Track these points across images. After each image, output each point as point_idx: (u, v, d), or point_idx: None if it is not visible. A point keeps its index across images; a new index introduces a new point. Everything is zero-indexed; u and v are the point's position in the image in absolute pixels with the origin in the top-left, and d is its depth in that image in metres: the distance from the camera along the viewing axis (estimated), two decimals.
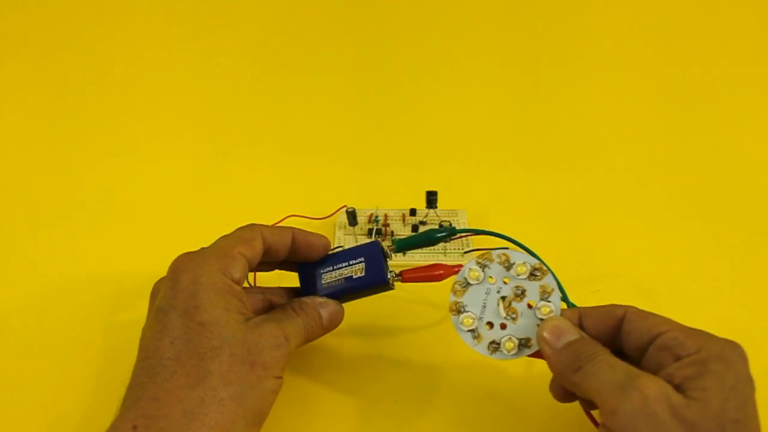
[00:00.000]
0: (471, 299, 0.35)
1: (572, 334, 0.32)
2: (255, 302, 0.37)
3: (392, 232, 0.52)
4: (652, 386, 0.27)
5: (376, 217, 0.52)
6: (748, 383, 0.29)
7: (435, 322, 0.45)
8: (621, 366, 0.29)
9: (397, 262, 0.48)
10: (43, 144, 0.63)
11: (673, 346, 0.30)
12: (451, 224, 0.51)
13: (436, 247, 0.47)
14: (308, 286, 0.38)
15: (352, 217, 0.51)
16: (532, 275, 0.35)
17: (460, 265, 0.38)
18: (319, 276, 0.38)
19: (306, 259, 0.38)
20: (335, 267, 0.38)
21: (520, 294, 0.35)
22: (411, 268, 0.39)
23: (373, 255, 0.37)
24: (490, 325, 0.34)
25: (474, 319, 0.34)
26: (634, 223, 0.56)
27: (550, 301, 0.34)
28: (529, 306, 0.34)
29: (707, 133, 0.66)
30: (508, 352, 0.34)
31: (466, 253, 0.49)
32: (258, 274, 0.44)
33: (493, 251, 0.35)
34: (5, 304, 0.46)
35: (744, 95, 0.68)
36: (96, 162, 0.61)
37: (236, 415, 0.30)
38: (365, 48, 0.69)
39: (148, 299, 0.35)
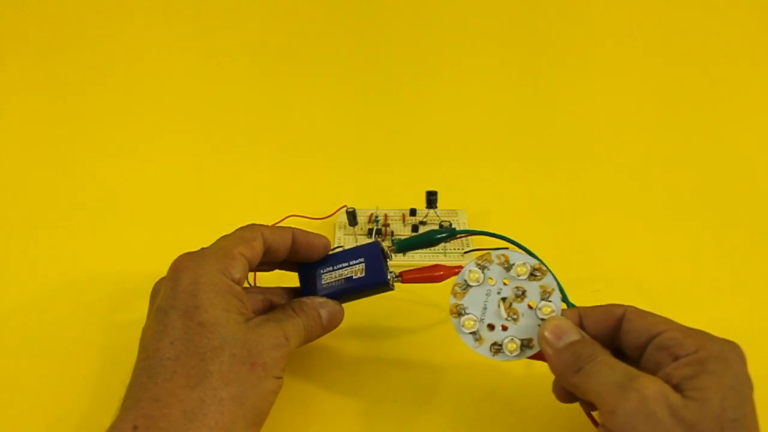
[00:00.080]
0: (471, 301, 0.35)
1: (573, 334, 0.32)
2: (255, 302, 0.37)
3: (392, 232, 0.52)
4: (651, 386, 0.27)
5: (376, 217, 0.52)
6: (747, 383, 0.29)
7: (435, 323, 0.45)
8: (620, 367, 0.29)
9: (397, 262, 0.48)
10: (43, 144, 0.63)
11: (672, 346, 0.30)
12: (451, 224, 0.51)
13: (436, 247, 0.47)
14: (308, 287, 0.38)
15: (352, 217, 0.51)
16: (532, 275, 0.35)
17: (460, 266, 0.38)
18: (319, 276, 0.38)
19: (306, 259, 0.38)
20: (335, 267, 0.38)
21: (521, 295, 0.35)
22: (411, 268, 0.39)
23: (373, 255, 0.38)
24: (491, 326, 0.34)
25: (475, 321, 0.34)
26: (634, 223, 0.56)
27: (550, 301, 0.34)
28: (530, 306, 0.34)
29: (707, 133, 0.66)
30: (511, 353, 0.34)
31: (466, 253, 0.49)
32: (258, 274, 0.44)
33: (492, 252, 0.35)
34: (5, 304, 0.46)
35: (744, 95, 0.68)
36: (96, 162, 0.61)
37: (236, 416, 0.30)
38: (365, 48, 0.69)
39: (148, 299, 0.35)
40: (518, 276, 0.35)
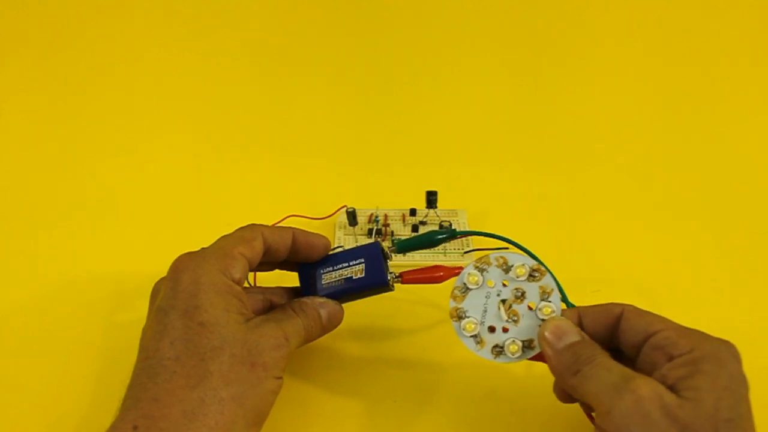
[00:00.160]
0: (471, 304, 0.35)
1: (573, 335, 0.32)
2: (255, 302, 0.37)
3: (392, 232, 0.52)
4: (645, 387, 0.28)
5: (376, 217, 0.52)
6: (742, 383, 0.29)
7: (435, 323, 0.45)
8: (617, 368, 0.29)
9: (397, 262, 0.48)
10: (43, 144, 0.63)
11: (666, 346, 0.30)
12: (451, 224, 0.51)
13: (436, 247, 0.47)
14: (308, 287, 0.38)
15: (352, 217, 0.51)
16: (531, 276, 0.35)
17: (461, 267, 0.38)
18: (319, 276, 0.38)
19: (306, 259, 0.38)
20: (335, 267, 0.38)
21: (520, 296, 0.35)
22: (411, 269, 0.39)
23: (373, 256, 0.38)
24: (492, 329, 0.34)
25: (476, 324, 0.34)
26: (634, 223, 0.56)
27: (550, 302, 0.34)
28: (530, 307, 0.34)
29: (707, 133, 0.66)
30: (512, 355, 0.34)
31: (466, 253, 0.49)
32: (258, 273, 0.44)
33: (490, 254, 0.35)
34: (5, 304, 0.46)
35: (744, 95, 0.68)
36: (96, 162, 0.61)
37: (236, 416, 0.30)
38: (365, 48, 0.69)
39: (148, 299, 0.35)
40: (517, 277, 0.35)
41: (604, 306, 0.34)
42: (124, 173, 0.60)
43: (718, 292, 0.48)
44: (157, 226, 0.54)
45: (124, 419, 0.29)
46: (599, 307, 0.34)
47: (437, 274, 0.38)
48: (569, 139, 0.66)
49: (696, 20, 0.69)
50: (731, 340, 0.44)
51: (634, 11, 0.69)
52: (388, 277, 0.37)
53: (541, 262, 0.36)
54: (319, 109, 0.67)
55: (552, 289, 0.34)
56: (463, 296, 0.35)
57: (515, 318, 0.34)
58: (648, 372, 0.30)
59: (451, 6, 0.68)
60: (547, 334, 0.32)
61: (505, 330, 0.34)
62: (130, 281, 0.47)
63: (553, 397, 0.34)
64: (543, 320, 0.34)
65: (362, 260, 0.38)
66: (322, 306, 0.37)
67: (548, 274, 0.35)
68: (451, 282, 0.37)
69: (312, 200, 0.55)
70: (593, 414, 0.32)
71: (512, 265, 0.35)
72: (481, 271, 0.35)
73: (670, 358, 0.29)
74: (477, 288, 0.35)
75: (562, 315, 0.34)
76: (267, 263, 0.39)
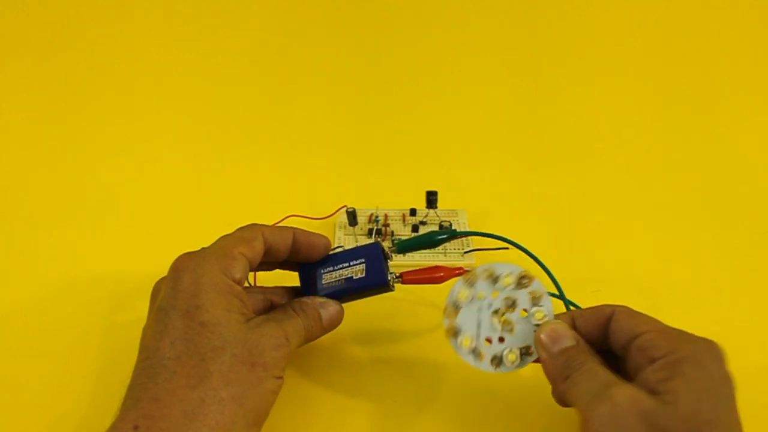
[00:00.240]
0: (465, 320, 0.35)
1: (568, 339, 0.32)
2: (255, 302, 0.37)
3: (392, 232, 0.52)
4: (623, 394, 0.28)
5: (376, 217, 0.52)
6: (724, 383, 0.28)
7: (435, 323, 0.45)
8: (602, 375, 0.30)
9: (397, 262, 0.48)
10: (43, 144, 0.63)
11: (649, 348, 0.30)
12: (451, 224, 0.51)
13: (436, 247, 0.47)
14: (308, 286, 0.39)
15: (352, 217, 0.51)
16: (519, 284, 0.35)
17: (461, 268, 0.38)
18: (320, 276, 0.38)
19: (307, 259, 0.38)
20: (336, 267, 0.38)
21: (512, 305, 0.35)
22: (411, 269, 0.39)
23: (374, 256, 0.38)
24: (489, 340, 0.35)
25: (472, 338, 0.34)
26: (634, 223, 0.56)
27: (541, 306, 0.34)
28: (523, 314, 0.35)
29: (707, 133, 0.66)
30: (512, 363, 0.34)
31: (466, 253, 0.49)
32: (258, 273, 0.44)
33: (476, 268, 0.36)
34: (5, 304, 0.46)
35: (744, 95, 0.68)
36: (96, 162, 0.61)
37: (237, 416, 0.30)
38: (365, 49, 0.69)
39: (149, 299, 0.35)
40: (506, 287, 0.35)
41: (597, 308, 0.34)
42: (124, 173, 0.60)
43: (718, 292, 0.48)
44: (157, 226, 0.54)
45: (125, 419, 0.29)
46: (592, 309, 0.34)
47: (437, 275, 0.38)
48: (569, 140, 0.66)
49: (696, 20, 0.69)
50: (731, 340, 0.44)
51: (634, 11, 0.69)
52: (389, 278, 0.37)
53: (540, 263, 0.36)
54: (319, 109, 0.67)
55: (542, 294, 0.35)
56: (456, 313, 0.35)
57: (510, 327, 0.34)
58: (634, 374, 0.30)
59: (451, 6, 0.68)
60: (543, 336, 0.33)
61: (501, 340, 0.34)
62: (130, 281, 0.46)
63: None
64: (537, 325, 0.34)
65: (363, 260, 0.38)
66: (322, 306, 0.37)
67: (536, 279, 0.35)
68: (451, 282, 0.37)
69: (312, 200, 0.55)
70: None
71: (499, 276, 0.35)
72: (470, 285, 0.35)
73: (652, 361, 0.29)
74: (468, 303, 0.35)
75: (556, 318, 0.34)
76: (267, 263, 0.39)
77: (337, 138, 0.65)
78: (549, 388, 0.35)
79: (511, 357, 0.34)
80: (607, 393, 0.28)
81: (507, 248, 0.40)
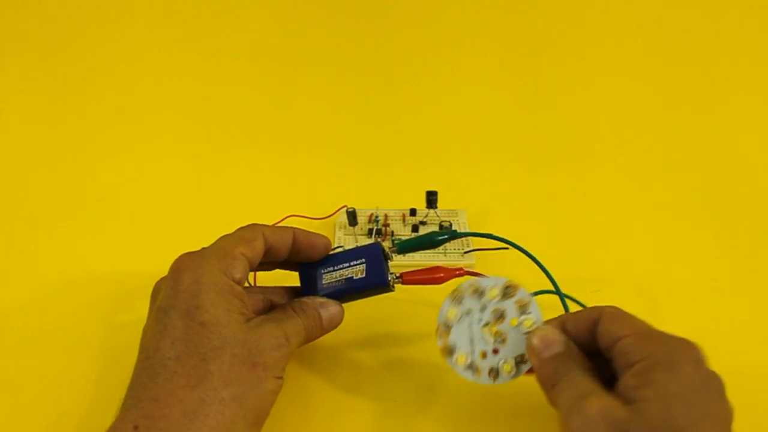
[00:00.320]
0: (457, 337, 0.35)
1: (558, 345, 0.32)
2: (256, 302, 0.37)
3: (392, 232, 0.52)
4: (595, 405, 0.27)
5: (376, 217, 0.52)
6: (700, 386, 0.28)
7: (435, 323, 0.45)
8: (582, 384, 0.29)
9: (397, 262, 0.48)
10: (43, 144, 0.63)
11: (627, 353, 0.29)
12: (451, 224, 0.51)
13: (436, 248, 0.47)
14: (309, 286, 0.39)
15: (352, 217, 0.51)
16: (505, 294, 0.35)
17: (461, 269, 0.38)
18: (320, 276, 0.38)
19: (307, 259, 0.38)
20: (336, 267, 0.38)
21: (501, 316, 0.35)
22: (411, 270, 0.39)
23: (374, 256, 0.38)
24: (484, 354, 0.35)
25: (467, 354, 0.35)
26: (634, 222, 0.56)
27: (530, 313, 0.35)
28: (513, 324, 0.35)
29: (707, 133, 0.66)
30: (508, 374, 0.34)
31: (466, 253, 0.49)
32: (258, 273, 0.44)
33: (461, 285, 0.36)
34: (5, 304, 0.46)
35: (744, 95, 0.68)
36: (96, 162, 0.61)
37: (237, 416, 0.30)
38: (365, 48, 0.69)
39: (149, 299, 0.35)
40: (492, 299, 0.35)
41: (587, 310, 0.33)
42: (124, 173, 0.60)
43: (718, 292, 0.48)
44: (157, 226, 0.54)
45: (125, 419, 0.29)
46: (582, 311, 0.34)
47: (438, 275, 0.38)
48: (569, 140, 0.66)
49: (696, 20, 0.69)
50: (731, 340, 0.44)
51: (634, 11, 0.69)
52: (389, 278, 0.37)
53: (538, 263, 0.36)
54: (319, 109, 0.67)
55: (528, 301, 0.35)
56: (448, 332, 0.35)
57: (502, 338, 0.35)
58: (618, 379, 0.29)
59: (451, 6, 0.68)
60: (535, 341, 0.33)
61: (495, 352, 0.35)
62: (130, 281, 0.46)
63: None
64: (528, 333, 0.34)
65: (363, 260, 0.38)
66: (322, 306, 0.37)
67: (521, 288, 0.35)
68: (451, 283, 0.37)
69: (312, 200, 0.55)
70: None
71: (484, 289, 0.35)
72: (458, 303, 0.35)
73: (630, 366, 0.29)
74: (458, 321, 0.35)
75: (547, 323, 0.34)
76: (267, 263, 0.39)
77: (337, 138, 0.65)
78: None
79: (507, 367, 0.34)
80: (580, 404, 0.28)
81: (507, 248, 0.40)
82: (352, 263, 0.38)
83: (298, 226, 0.38)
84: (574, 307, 0.42)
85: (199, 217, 0.55)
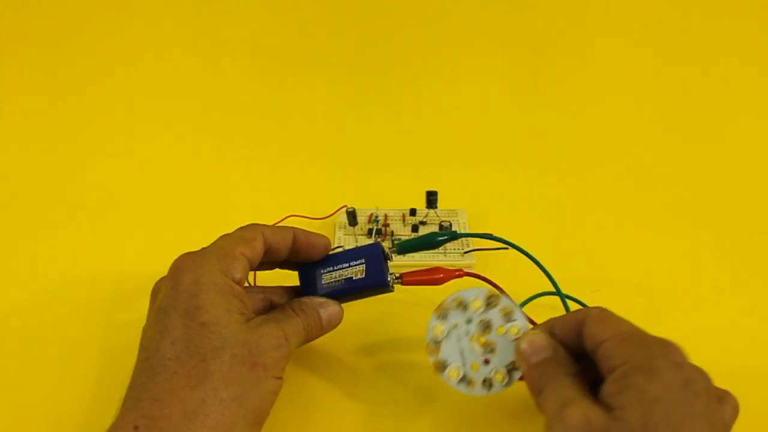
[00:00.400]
0: (448, 352, 0.35)
1: (546, 350, 0.32)
2: (255, 302, 0.37)
3: (392, 232, 0.52)
4: (576, 415, 0.27)
5: (376, 217, 0.52)
6: (684, 388, 0.27)
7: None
8: (565, 391, 0.29)
9: (397, 261, 0.47)
10: (43, 144, 0.63)
11: (608, 357, 0.29)
12: (451, 224, 0.51)
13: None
14: (308, 286, 0.39)
15: (352, 217, 0.51)
16: (489, 304, 0.35)
17: (461, 270, 0.38)
18: (320, 276, 0.38)
19: (307, 259, 0.38)
20: (335, 267, 0.38)
21: (487, 326, 0.35)
22: (411, 270, 0.39)
23: (374, 257, 0.38)
24: (475, 366, 0.35)
25: (458, 368, 0.35)
26: (634, 222, 0.56)
27: (515, 320, 0.35)
28: (501, 331, 0.35)
29: (707, 133, 0.66)
30: (501, 383, 0.34)
31: (466, 253, 0.49)
32: (258, 273, 0.44)
33: (444, 300, 0.36)
34: (5, 304, 0.46)
35: (744, 95, 0.68)
36: (96, 162, 0.61)
37: (237, 416, 0.30)
38: (365, 48, 0.69)
39: (148, 299, 0.35)
40: (476, 310, 0.35)
41: (573, 313, 0.33)
42: (124, 173, 0.60)
43: (718, 292, 0.48)
44: (157, 226, 0.54)
45: (125, 419, 0.29)
46: (568, 314, 0.33)
47: (437, 276, 0.38)
48: (569, 140, 0.66)
49: (696, 20, 0.69)
50: (731, 340, 0.44)
51: (634, 11, 0.69)
52: (389, 279, 0.37)
53: (537, 262, 0.36)
54: (319, 109, 0.67)
55: (512, 309, 0.35)
56: (438, 348, 0.35)
57: (491, 348, 0.35)
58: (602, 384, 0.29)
59: (451, 6, 0.68)
60: (523, 345, 0.32)
61: (487, 362, 0.35)
62: (130, 281, 0.46)
63: None
64: (516, 340, 0.34)
65: (363, 261, 0.38)
66: (321, 306, 0.37)
67: (504, 296, 0.35)
68: (452, 284, 0.37)
69: (312, 200, 0.55)
70: None
71: (468, 302, 0.35)
72: (444, 318, 0.36)
73: (611, 371, 0.29)
74: (446, 336, 0.35)
75: (535, 328, 0.34)
76: (267, 263, 0.39)
77: (337, 138, 0.65)
78: None
79: (499, 377, 0.34)
80: (562, 413, 0.28)
81: (506, 248, 0.40)
82: (351, 263, 0.38)
83: (298, 226, 0.38)
84: (574, 307, 0.42)
85: (199, 217, 0.55)
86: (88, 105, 0.65)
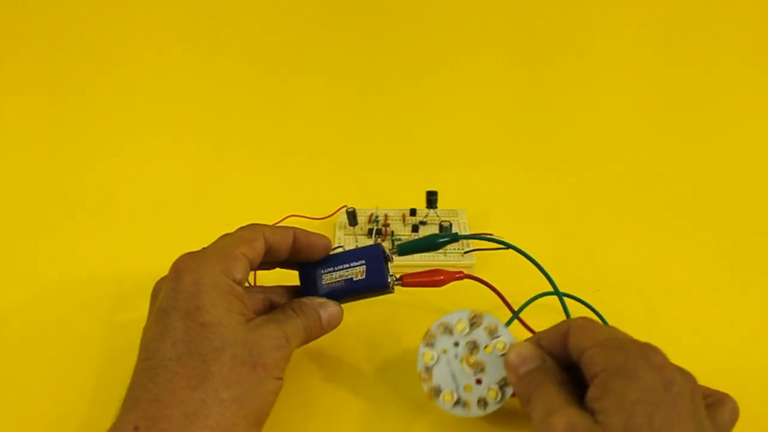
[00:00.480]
0: (440, 377, 0.35)
1: (534, 360, 0.32)
2: (256, 302, 0.37)
3: (392, 232, 0.52)
4: (561, 422, 0.28)
5: (376, 217, 0.52)
6: (664, 389, 0.27)
7: (434, 325, 0.45)
8: (550, 399, 0.30)
9: (397, 261, 0.47)
10: (43, 144, 0.63)
11: (590, 365, 0.29)
12: (451, 224, 0.51)
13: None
14: (308, 286, 0.38)
15: (352, 217, 0.51)
16: (473, 324, 0.36)
17: (461, 272, 0.39)
18: (320, 276, 0.38)
19: (307, 259, 0.38)
20: (336, 268, 0.38)
21: (474, 346, 0.35)
22: (411, 272, 0.39)
23: (375, 258, 0.37)
24: (468, 387, 0.35)
25: (452, 391, 0.35)
26: (635, 222, 0.56)
27: (499, 336, 0.35)
28: (489, 350, 0.35)
29: (707, 133, 0.66)
30: (495, 400, 0.34)
31: (466, 253, 0.49)
32: (258, 272, 0.44)
33: (431, 326, 0.36)
34: (5, 304, 0.46)
35: (744, 96, 0.68)
36: (96, 162, 0.61)
37: (237, 417, 0.30)
38: (365, 48, 0.69)
39: (149, 299, 0.35)
40: (461, 333, 0.36)
41: (558, 325, 0.33)
42: (124, 173, 0.60)
43: (718, 292, 0.48)
44: (157, 226, 0.54)
45: (125, 420, 0.29)
46: (554, 326, 0.34)
47: (438, 278, 0.38)
48: (569, 140, 0.66)
49: (696, 20, 0.69)
50: (731, 340, 0.44)
51: (634, 11, 0.69)
52: (389, 280, 0.37)
53: (536, 263, 0.36)
54: (319, 109, 0.67)
55: (496, 326, 0.35)
56: (430, 375, 0.35)
57: (481, 367, 0.35)
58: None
59: (451, 6, 0.68)
60: (511, 356, 0.33)
61: (479, 382, 0.35)
62: (130, 281, 0.46)
63: None
64: (503, 355, 0.34)
65: (363, 262, 0.38)
66: (321, 306, 0.37)
67: (486, 315, 0.36)
68: (452, 285, 0.37)
69: (312, 200, 0.55)
70: None
71: (452, 325, 0.36)
72: (431, 345, 0.36)
73: (594, 377, 0.29)
74: (436, 362, 0.36)
75: (523, 341, 0.34)
76: (268, 263, 0.39)
77: (337, 138, 0.65)
78: None
79: (492, 394, 0.35)
80: (548, 420, 0.28)
81: (506, 248, 0.40)
82: (352, 264, 0.38)
83: (299, 226, 0.38)
84: (574, 307, 0.42)
85: (199, 217, 0.55)
86: (88, 105, 0.65)
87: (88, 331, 0.43)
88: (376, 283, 0.37)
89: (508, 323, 0.41)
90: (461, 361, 0.35)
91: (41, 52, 0.66)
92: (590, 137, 0.66)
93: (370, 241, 0.50)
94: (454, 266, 0.48)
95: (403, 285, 0.38)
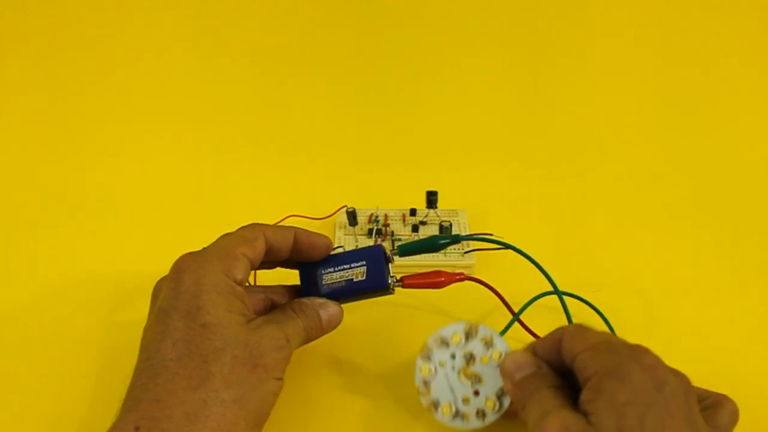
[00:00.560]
0: (438, 391, 0.35)
1: (529, 367, 0.32)
2: (256, 302, 0.37)
3: (392, 232, 0.52)
4: (554, 424, 0.28)
5: (376, 217, 0.52)
6: (656, 389, 0.27)
7: (435, 325, 0.44)
8: (545, 403, 0.30)
9: (397, 262, 0.47)
10: (43, 144, 0.63)
11: (583, 368, 0.30)
12: (451, 224, 0.51)
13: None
14: (309, 286, 0.38)
15: (352, 217, 0.51)
16: (468, 336, 0.36)
17: (462, 273, 0.38)
18: (320, 276, 0.38)
19: (308, 259, 0.38)
20: (337, 268, 0.38)
21: (471, 358, 0.35)
22: (412, 274, 0.39)
23: (375, 259, 0.37)
24: (466, 399, 0.35)
25: (451, 404, 0.35)
26: (635, 222, 0.56)
27: (495, 346, 0.35)
28: (485, 360, 0.35)
29: (707, 133, 0.66)
30: (493, 410, 0.34)
31: (466, 253, 0.49)
32: (259, 272, 0.44)
33: (427, 340, 0.36)
34: (5, 304, 0.46)
35: (744, 96, 0.68)
36: (96, 162, 0.61)
37: (238, 417, 0.30)
38: (365, 48, 0.69)
39: (149, 299, 0.35)
40: (458, 345, 0.36)
41: (552, 333, 0.33)
42: (124, 173, 0.60)
43: (717, 292, 0.48)
44: (157, 226, 0.54)
45: (125, 420, 0.29)
46: (548, 334, 0.34)
47: (438, 279, 0.38)
48: (569, 140, 0.66)
49: (696, 20, 0.69)
50: (731, 340, 0.44)
51: (634, 11, 0.69)
52: (389, 281, 0.37)
53: (536, 263, 0.36)
54: (319, 109, 0.67)
55: (491, 336, 0.35)
56: (428, 389, 0.35)
57: (478, 378, 0.35)
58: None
59: (451, 6, 0.68)
60: (507, 363, 0.33)
61: (477, 393, 0.35)
62: (130, 281, 0.46)
63: None
64: (499, 365, 0.34)
65: (364, 263, 0.37)
66: (321, 307, 0.37)
67: (480, 326, 0.36)
68: (452, 286, 0.37)
69: (312, 200, 0.55)
70: None
71: (448, 338, 0.36)
72: (428, 359, 0.36)
73: (587, 381, 0.29)
74: (434, 375, 0.36)
75: (519, 349, 0.34)
76: (268, 262, 0.39)
77: (337, 138, 0.65)
78: None
79: (490, 405, 0.35)
80: (542, 423, 0.28)
81: (506, 248, 0.40)
82: (352, 265, 0.38)
83: (299, 226, 0.38)
84: (575, 307, 0.42)
85: (199, 217, 0.55)
86: (88, 105, 0.65)
87: (88, 331, 0.43)
88: (377, 284, 0.37)
89: (509, 326, 0.41)
90: (458, 373, 0.35)
91: (41, 52, 0.66)
92: (590, 137, 0.66)
93: (370, 241, 0.50)
94: (454, 266, 0.48)
95: (403, 286, 0.38)
